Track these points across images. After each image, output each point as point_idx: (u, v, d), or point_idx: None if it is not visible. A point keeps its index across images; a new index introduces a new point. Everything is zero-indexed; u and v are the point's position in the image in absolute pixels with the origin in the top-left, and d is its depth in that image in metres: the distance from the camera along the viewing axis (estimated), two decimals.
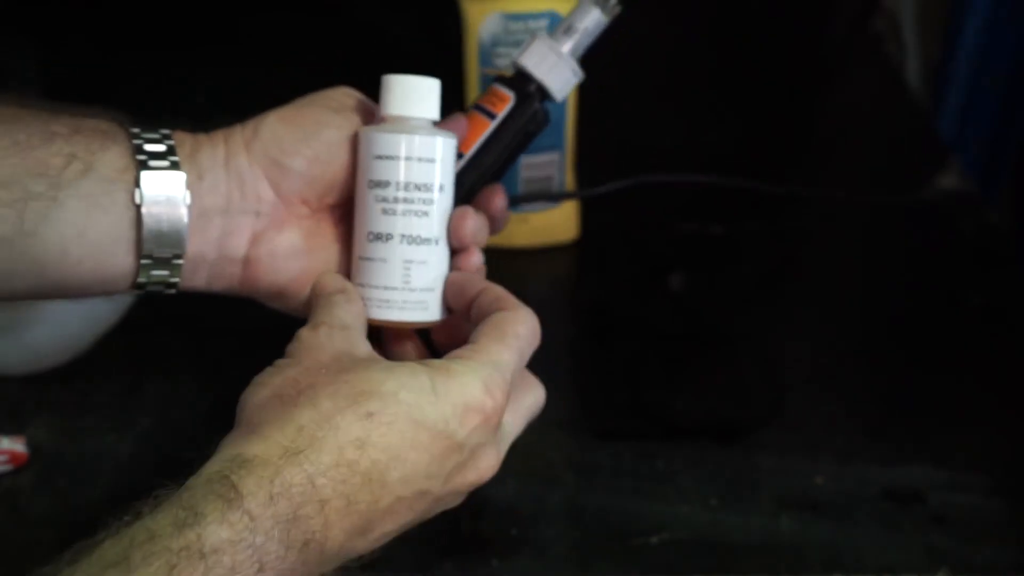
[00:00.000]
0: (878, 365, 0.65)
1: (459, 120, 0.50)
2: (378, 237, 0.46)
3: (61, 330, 0.60)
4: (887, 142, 0.90)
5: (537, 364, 0.69)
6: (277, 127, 0.47)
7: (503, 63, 0.66)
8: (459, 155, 0.49)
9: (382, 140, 0.46)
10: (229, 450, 0.39)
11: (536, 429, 0.60)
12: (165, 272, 0.44)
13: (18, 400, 0.61)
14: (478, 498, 0.55)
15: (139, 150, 0.43)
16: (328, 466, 0.39)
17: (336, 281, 0.47)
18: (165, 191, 0.43)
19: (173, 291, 0.46)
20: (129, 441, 0.58)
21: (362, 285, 0.47)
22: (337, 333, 0.44)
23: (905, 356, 0.65)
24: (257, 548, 0.36)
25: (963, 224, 0.78)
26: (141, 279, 0.44)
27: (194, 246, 0.45)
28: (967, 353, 0.66)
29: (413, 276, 0.47)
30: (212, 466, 0.38)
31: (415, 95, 0.48)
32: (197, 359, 0.64)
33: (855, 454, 0.58)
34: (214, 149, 0.46)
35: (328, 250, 0.49)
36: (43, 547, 0.52)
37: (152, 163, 0.43)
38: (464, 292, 0.47)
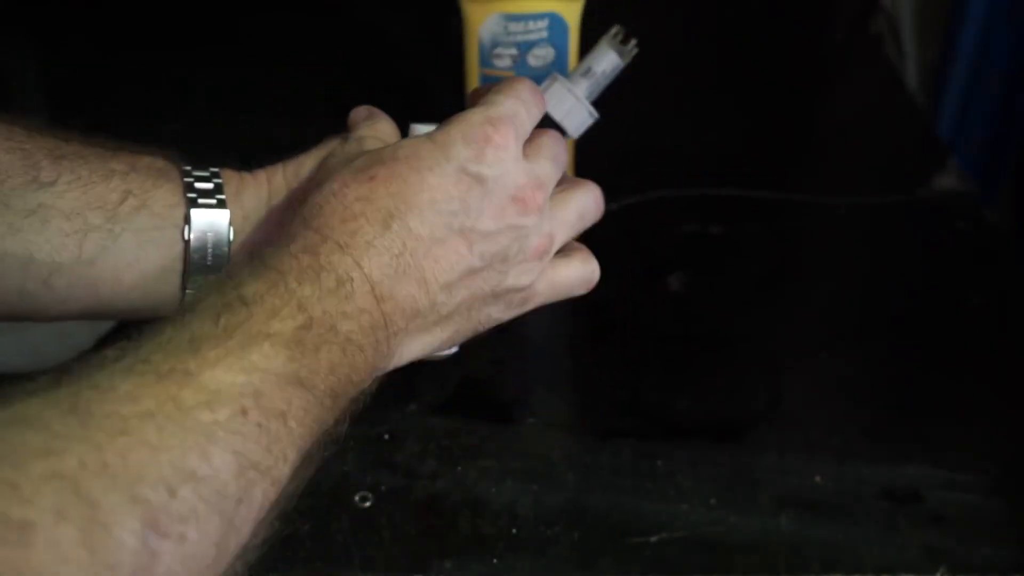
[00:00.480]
0: (877, 365, 0.65)
1: None
2: None
3: (63, 329, 0.60)
4: (886, 143, 0.90)
5: (538, 364, 0.69)
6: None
7: (502, 64, 0.66)
8: None
9: None
10: (235, 268, 0.40)
11: (536, 429, 0.60)
12: None
13: None
14: (478, 498, 0.56)
15: (189, 188, 0.47)
16: (337, 222, 0.40)
17: (364, 110, 0.50)
18: (212, 228, 0.47)
19: None
20: None
21: None
22: (361, 143, 0.47)
23: (904, 356, 0.66)
24: (292, 292, 0.37)
25: (962, 224, 0.78)
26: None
27: None
28: (966, 353, 0.66)
29: None
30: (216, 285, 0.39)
31: None
32: None
33: (854, 454, 0.58)
34: (258, 189, 0.49)
35: None
36: None
37: (201, 201, 0.47)
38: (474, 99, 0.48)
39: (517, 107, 0.45)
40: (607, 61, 0.52)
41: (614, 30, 0.52)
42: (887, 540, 0.53)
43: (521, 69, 0.65)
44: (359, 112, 0.51)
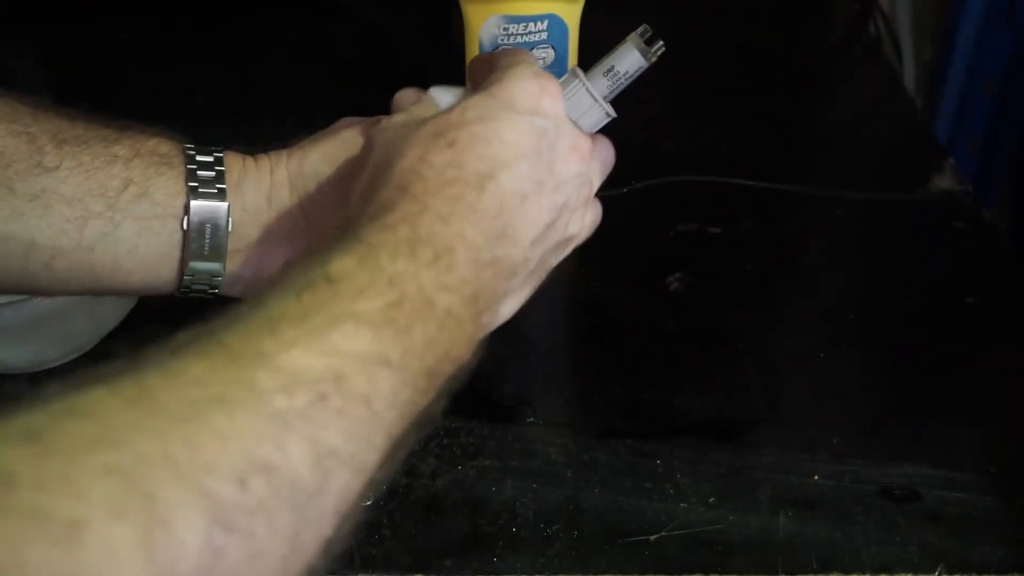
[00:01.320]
0: (875, 364, 0.65)
1: None
2: None
3: (65, 330, 0.60)
4: (884, 143, 0.90)
5: (538, 364, 0.69)
6: (320, 167, 0.49)
7: None
8: None
9: None
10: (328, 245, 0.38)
11: (536, 428, 0.61)
12: (205, 286, 0.48)
13: (22, 399, 0.61)
14: (478, 497, 0.56)
15: (192, 176, 0.47)
16: (434, 188, 0.39)
17: (412, 92, 0.50)
18: (211, 219, 0.47)
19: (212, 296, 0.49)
20: None
21: None
22: (411, 114, 0.47)
23: (902, 355, 0.66)
24: (383, 268, 0.36)
25: (959, 224, 0.78)
26: (183, 289, 0.48)
27: (232, 266, 0.48)
28: (963, 352, 0.66)
29: None
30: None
31: None
32: None
33: (852, 453, 0.58)
34: (259, 180, 0.49)
35: None
36: None
37: (202, 190, 0.47)
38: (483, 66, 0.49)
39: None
40: (630, 62, 0.51)
41: (640, 29, 0.51)
42: (885, 539, 0.53)
43: None
44: (407, 95, 0.50)
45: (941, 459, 0.58)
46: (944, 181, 0.84)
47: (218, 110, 0.91)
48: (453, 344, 0.37)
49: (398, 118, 0.47)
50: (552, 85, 0.45)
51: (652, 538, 0.53)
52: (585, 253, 0.76)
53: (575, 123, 0.50)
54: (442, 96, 0.50)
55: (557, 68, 0.66)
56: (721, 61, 1.04)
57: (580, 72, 0.51)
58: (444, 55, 0.75)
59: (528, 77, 0.44)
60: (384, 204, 0.39)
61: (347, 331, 0.33)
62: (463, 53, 0.67)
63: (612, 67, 0.51)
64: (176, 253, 0.47)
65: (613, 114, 0.52)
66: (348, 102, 0.93)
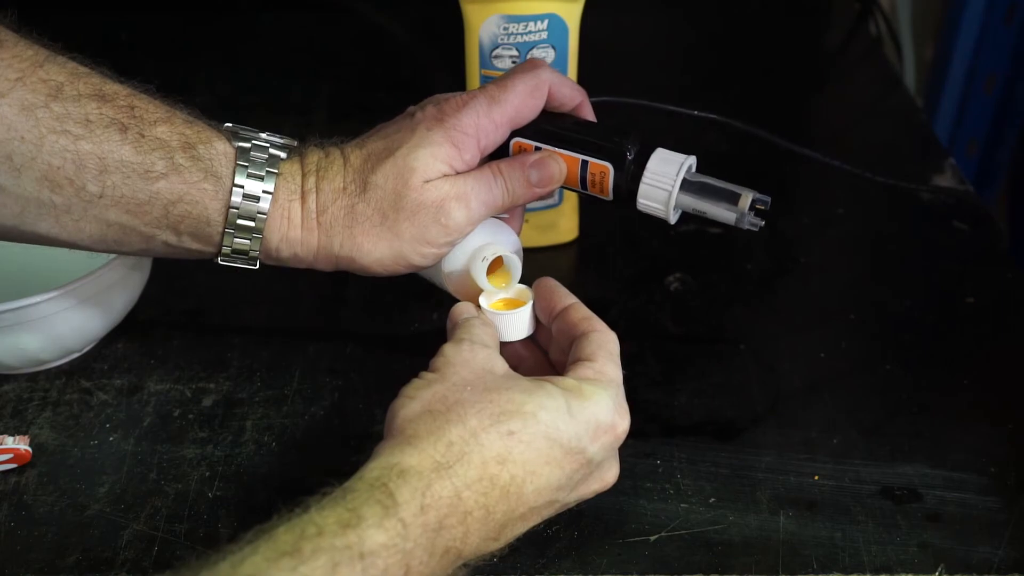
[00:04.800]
0: (875, 364, 0.65)
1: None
2: None
3: (64, 331, 0.60)
4: (884, 143, 0.90)
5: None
6: (371, 267, 0.53)
7: (503, 64, 0.66)
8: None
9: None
10: (387, 458, 0.43)
11: None
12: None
13: (22, 399, 0.61)
14: None
15: (229, 239, 0.52)
16: (473, 480, 0.43)
17: (470, 308, 0.53)
18: (243, 264, 0.53)
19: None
20: (131, 440, 0.59)
21: None
22: (479, 349, 0.49)
23: (902, 355, 0.66)
24: (406, 553, 0.41)
25: (959, 224, 0.78)
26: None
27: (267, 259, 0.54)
28: (963, 352, 0.66)
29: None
30: (371, 471, 0.43)
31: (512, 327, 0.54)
32: (199, 358, 0.65)
33: (852, 453, 0.59)
34: (298, 260, 0.53)
35: None
36: (46, 545, 0.53)
37: (236, 254, 0.52)
38: (552, 303, 0.53)
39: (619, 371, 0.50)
40: (721, 214, 0.53)
41: (754, 197, 0.52)
42: (885, 539, 0.53)
43: None
44: (463, 310, 0.54)
45: (941, 459, 0.58)
46: (944, 181, 0.84)
47: (217, 109, 0.91)
48: None
49: (464, 343, 0.50)
50: (623, 425, 0.48)
51: (652, 538, 0.53)
52: (585, 253, 0.77)
53: (635, 190, 0.53)
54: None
55: (557, 68, 0.66)
56: (721, 61, 1.04)
57: (681, 178, 0.53)
58: (444, 55, 0.75)
59: (610, 407, 0.47)
60: (423, 468, 0.43)
61: None
62: (463, 53, 0.67)
63: (705, 212, 0.53)
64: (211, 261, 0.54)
65: (670, 221, 0.54)
66: (348, 102, 0.94)
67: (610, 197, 0.55)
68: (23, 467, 0.57)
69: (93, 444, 0.59)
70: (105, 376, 0.63)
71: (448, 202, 0.51)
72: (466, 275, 0.54)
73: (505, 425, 0.45)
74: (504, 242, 0.55)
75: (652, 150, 0.54)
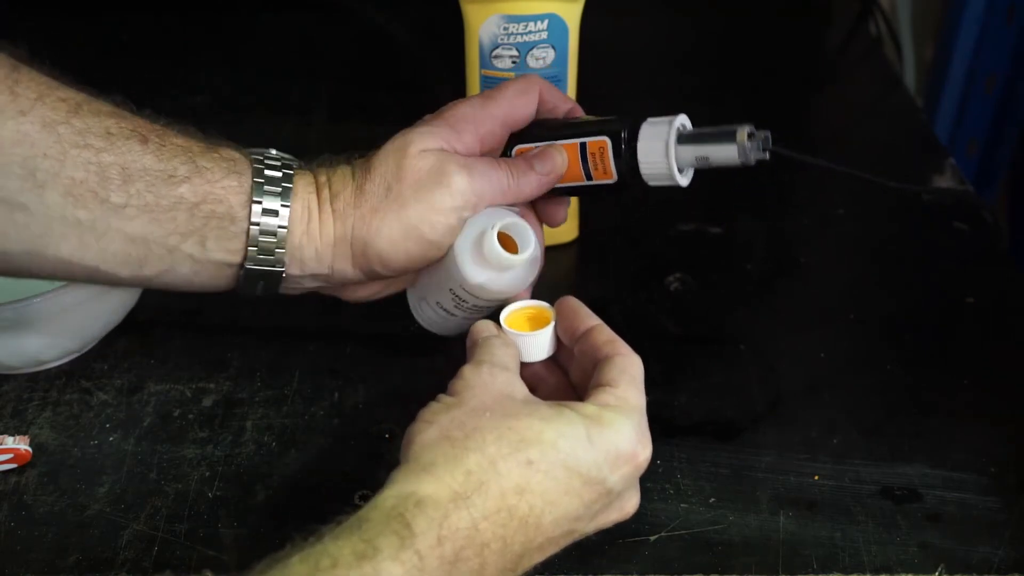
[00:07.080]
0: (875, 364, 0.65)
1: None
2: None
3: (64, 330, 0.60)
4: (884, 143, 0.90)
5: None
6: (386, 251, 0.53)
7: (503, 64, 0.66)
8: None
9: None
10: (403, 486, 0.43)
11: None
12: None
13: (22, 399, 0.61)
14: None
15: (252, 241, 0.52)
16: (491, 511, 0.43)
17: (490, 327, 0.53)
18: (266, 275, 0.53)
19: None
20: (131, 440, 0.59)
21: None
22: (499, 373, 0.48)
23: (902, 355, 0.66)
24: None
25: (959, 224, 0.78)
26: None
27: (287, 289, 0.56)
28: (963, 352, 0.66)
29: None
30: (387, 500, 0.42)
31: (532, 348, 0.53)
32: (199, 358, 0.65)
33: (852, 453, 0.58)
34: (319, 261, 0.54)
35: None
36: (46, 545, 0.53)
37: (261, 256, 0.52)
38: (574, 324, 0.52)
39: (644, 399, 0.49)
40: (724, 156, 0.53)
41: (749, 129, 0.52)
42: (885, 539, 0.53)
43: (521, 70, 0.66)
44: (483, 329, 0.53)
45: (941, 459, 0.58)
46: (944, 181, 0.84)
47: (218, 109, 0.92)
48: None
49: (484, 366, 0.49)
50: (645, 454, 0.47)
51: (652, 538, 0.53)
52: (585, 253, 0.77)
53: (638, 166, 0.53)
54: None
55: (557, 68, 0.66)
56: (721, 61, 1.04)
57: (675, 131, 0.53)
58: (444, 55, 0.75)
59: (631, 436, 0.46)
60: (440, 498, 0.42)
61: None
62: (463, 53, 0.67)
63: (707, 157, 0.53)
64: (231, 285, 0.54)
65: (682, 185, 0.53)
66: (348, 102, 0.94)
67: (614, 177, 0.55)
68: (23, 467, 0.57)
69: (93, 444, 0.59)
70: (105, 376, 0.63)
71: (448, 165, 0.53)
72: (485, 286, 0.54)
73: (524, 454, 0.44)
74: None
75: (643, 120, 0.55)
